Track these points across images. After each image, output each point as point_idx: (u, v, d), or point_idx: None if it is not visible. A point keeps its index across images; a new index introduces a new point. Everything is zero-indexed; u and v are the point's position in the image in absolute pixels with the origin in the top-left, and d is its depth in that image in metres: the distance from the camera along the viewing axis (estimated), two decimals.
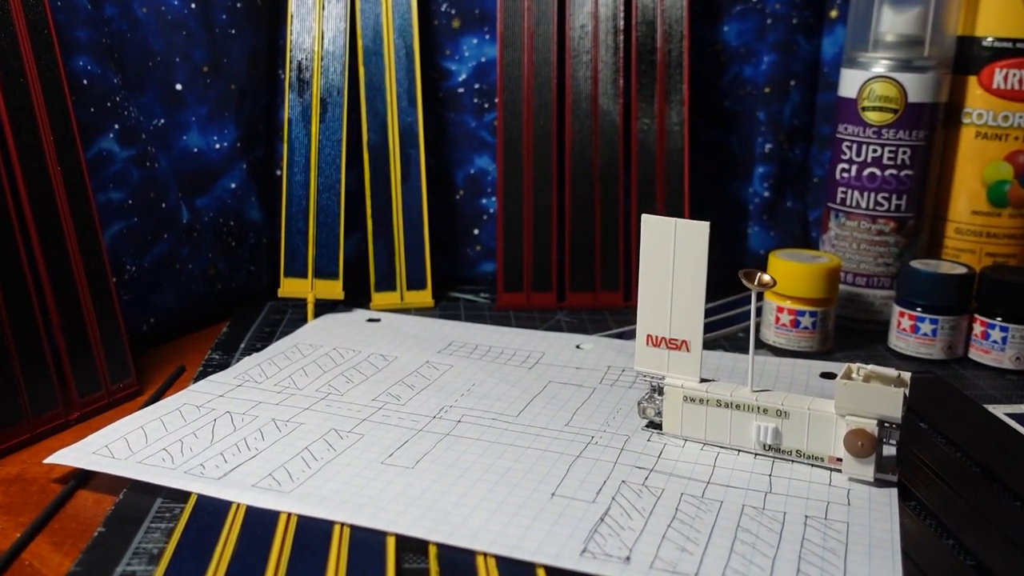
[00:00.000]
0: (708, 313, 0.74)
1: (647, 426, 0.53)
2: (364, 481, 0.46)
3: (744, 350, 0.67)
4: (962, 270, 0.66)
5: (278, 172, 0.77)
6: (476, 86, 0.79)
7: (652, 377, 0.52)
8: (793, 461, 0.49)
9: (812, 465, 0.48)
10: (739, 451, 0.50)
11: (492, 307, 0.77)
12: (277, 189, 0.77)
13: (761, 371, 0.62)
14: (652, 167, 0.77)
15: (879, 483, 0.46)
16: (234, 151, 0.74)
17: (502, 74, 0.76)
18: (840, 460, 0.47)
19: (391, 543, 0.41)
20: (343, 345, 0.65)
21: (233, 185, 0.74)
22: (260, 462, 0.47)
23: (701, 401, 0.50)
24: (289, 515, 0.43)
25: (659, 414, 0.52)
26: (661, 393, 0.52)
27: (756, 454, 0.49)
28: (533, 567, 0.39)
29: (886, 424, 0.46)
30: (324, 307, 0.73)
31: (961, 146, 0.71)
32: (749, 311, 0.74)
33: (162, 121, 0.69)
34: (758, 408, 0.49)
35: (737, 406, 0.49)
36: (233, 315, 0.73)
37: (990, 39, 0.69)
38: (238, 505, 0.43)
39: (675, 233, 0.49)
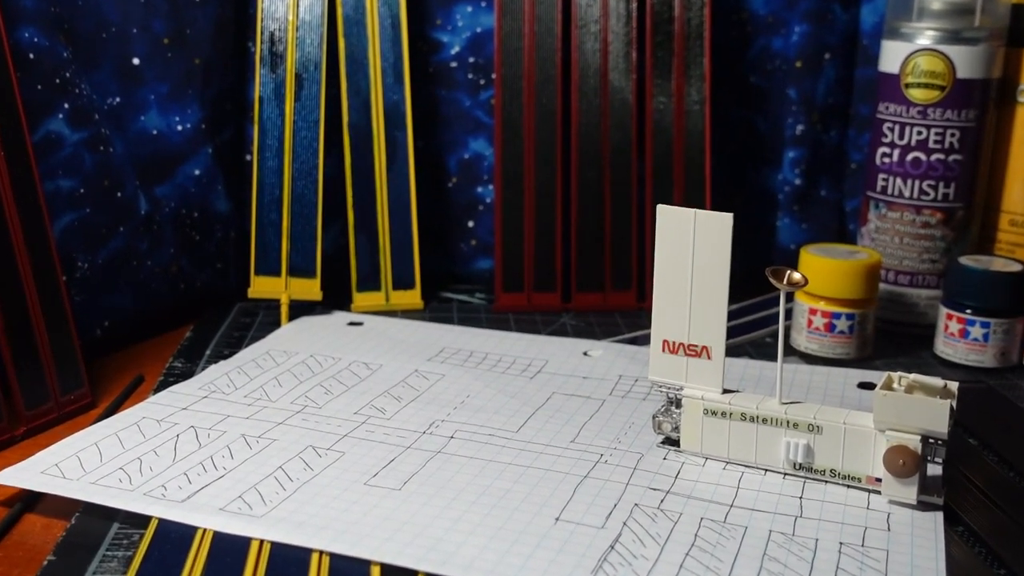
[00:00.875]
0: (732, 316, 0.74)
1: (663, 443, 0.53)
2: (345, 504, 0.46)
3: (772, 357, 0.67)
4: (1017, 267, 0.66)
5: (248, 157, 0.78)
6: (471, 60, 0.80)
7: (669, 388, 0.52)
8: (827, 482, 0.49)
9: (848, 486, 0.49)
10: (766, 471, 0.50)
11: (489, 309, 0.77)
12: (247, 176, 0.77)
13: (791, 381, 0.62)
14: (669, 151, 0.78)
15: (923, 506, 0.47)
16: (198, 134, 0.74)
17: (500, 46, 0.77)
18: (879, 480, 0.47)
19: (375, 573, 0.41)
20: (321, 352, 0.66)
21: (197, 172, 0.75)
22: (229, 483, 0.48)
23: (723, 414, 0.51)
24: (261, 542, 0.43)
25: (676, 429, 0.52)
26: (679, 405, 0.52)
27: (785, 474, 0.50)
28: None
29: (931, 440, 0.46)
30: (300, 309, 0.74)
31: (1016, 128, 0.71)
32: (778, 314, 0.74)
33: (117, 100, 0.70)
34: (787, 422, 0.49)
35: (764, 420, 0.50)
36: (198, 318, 0.73)
37: None
38: (204, 531, 0.44)
39: (694, 226, 0.50)
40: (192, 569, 0.41)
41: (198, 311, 0.74)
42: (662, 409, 0.53)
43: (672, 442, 0.53)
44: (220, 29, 0.75)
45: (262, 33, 0.75)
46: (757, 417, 0.50)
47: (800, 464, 0.49)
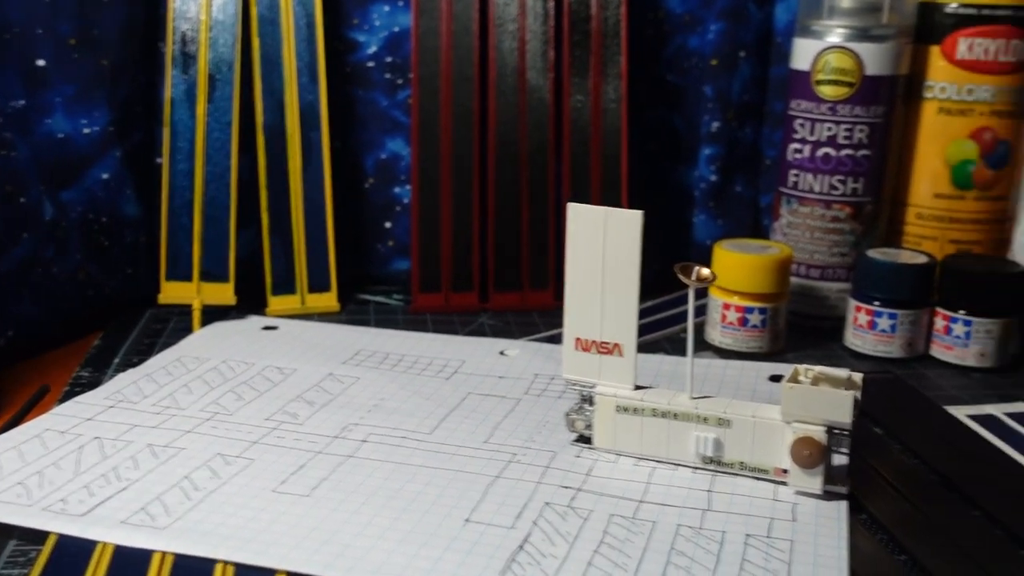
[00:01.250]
0: (648, 312, 0.75)
1: (576, 440, 0.53)
2: (252, 512, 0.45)
3: (686, 352, 0.68)
4: (923, 259, 0.67)
5: (158, 160, 0.76)
6: (388, 59, 0.79)
7: (582, 386, 0.53)
8: (736, 475, 0.50)
9: (756, 478, 0.49)
10: (678, 465, 0.51)
11: (406, 310, 0.77)
12: (157, 180, 0.76)
13: (705, 375, 0.63)
14: (586, 149, 0.78)
15: (828, 496, 0.47)
16: (106, 137, 0.73)
17: (417, 46, 0.76)
18: (786, 472, 0.48)
19: None
20: (234, 357, 0.65)
21: (105, 176, 0.73)
22: (132, 494, 0.47)
23: (635, 411, 0.51)
24: (164, 554, 0.42)
25: (589, 427, 0.52)
26: (592, 403, 0.52)
27: (695, 468, 0.50)
28: None
29: (836, 431, 0.47)
30: (213, 314, 0.73)
31: (922, 123, 0.73)
32: (694, 310, 0.75)
33: (21, 103, 0.68)
34: (698, 417, 0.50)
35: (675, 415, 0.50)
36: (107, 326, 0.72)
37: (953, 5, 0.70)
38: (104, 545, 0.43)
39: (605, 224, 0.50)
40: None
41: (107, 318, 0.73)
42: (575, 407, 0.53)
43: (585, 440, 0.53)
44: (129, 29, 0.74)
45: (174, 33, 0.74)
46: (668, 413, 0.50)
47: (710, 458, 0.50)
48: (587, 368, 0.52)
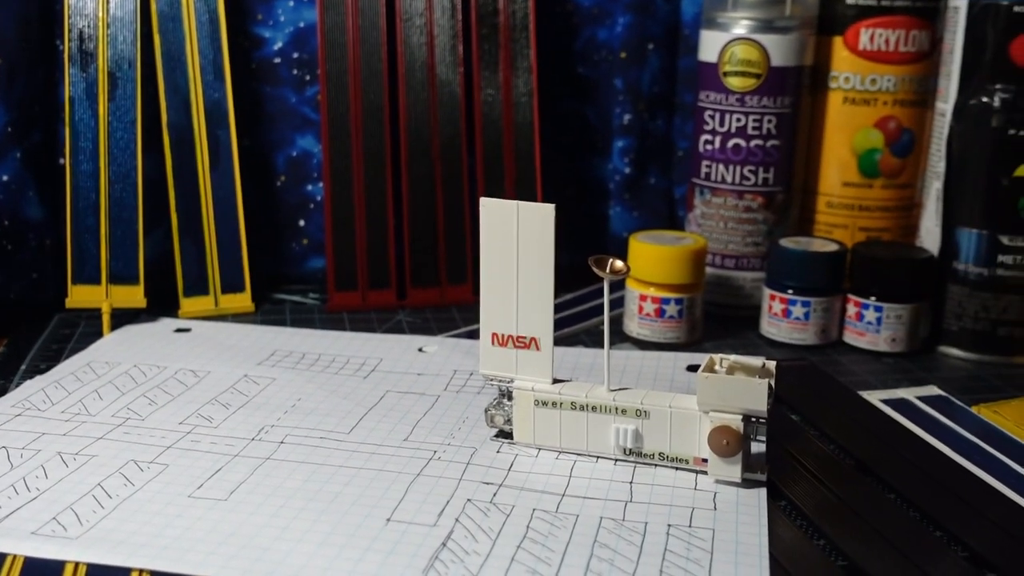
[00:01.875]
0: (566, 305, 0.75)
1: (496, 436, 0.53)
2: (167, 519, 0.44)
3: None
4: (834, 247, 0.69)
5: (61, 161, 0.74)
6: (294, 55, 0.78)
7: (500, 381, 0.52)
8: (656, 465, 0.50)
9: (677, 468, 0.50)
10: (598, 458, 0.51)
11: (323, 309, 0.76)
12: (60, 181, 0.74)
13: (624, 367, 0.63)
14: (499, 143, 0.78)
15: (748, 483, 0.48)
16: (5, 138, 0.71)
17: (323, 41, 0.75)
18: (705, 461, 0.49)
19: None
20: (146, 361, 0.63)
21: (5, 178, 0.71)
22: (42, 504, 0.45)
23: (554, 404, 0.51)
24: (77, 565, 0.41)
25: (509, 421, 0.52)
26: (510, 398, 0.52)
27: (616, 460, 0.51)
28: None
29: (752, 419, 0.48)
30: (123, 318, 0.71)
31: (829, 113, 0.74)
32: (612, 302, 0.75)
33: None
34: (616, 409, 0.50)
35: (594, 408, 0.50)
36: (12, 332, 0.70)
37: None
38: (14, 557, 0.42)
39: (517, 218, 0.50)
40: None
41: (13, 324, 0.71)
42: (494, 402, 0.53)
43: (505, 435, 0.53)
44: (24, 27, 0.72)
45: (70, 31, 0.72)
46: (587, 405, 0.50)
47: (630, 449, 0.50)
48: (504, 363, 0.52)
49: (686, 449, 0.49)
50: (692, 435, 0.49)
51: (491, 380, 0.53)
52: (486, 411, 0.53)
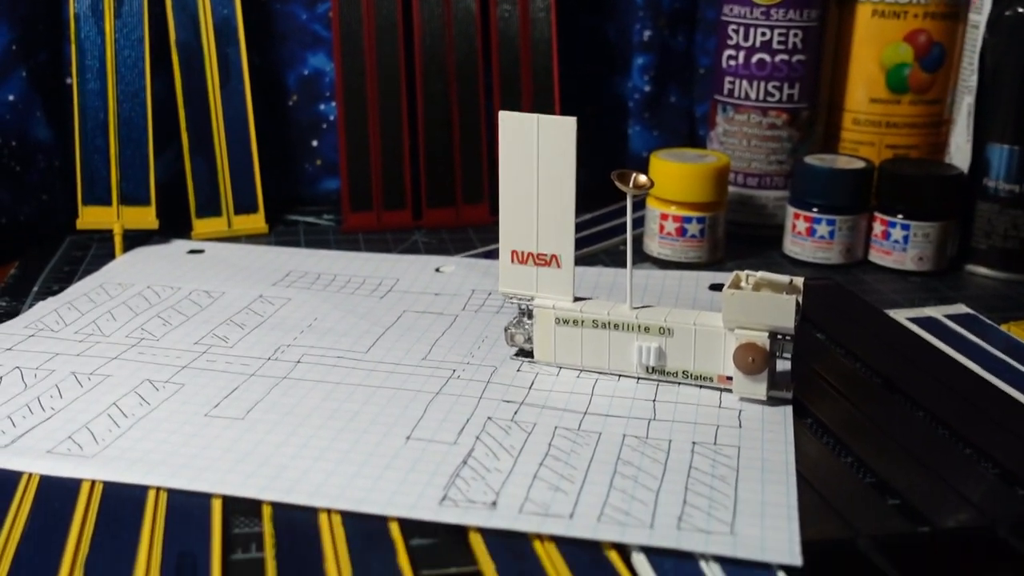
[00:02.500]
0: (586, 225, 0.74)
1: (516, 355, 0.52)
2: (183, 438, 0.44)
3: (625, 264, 0.67)
4: (860, 164, 0.67)
5: (68, 80, 0.73)
6: None
7: (520, 299, 0.52)
8: (680, 383, 0.49)
9: (700, 386, 0.49)
10: (620, 376, 0.50)
11: (337, 230, 0.75)
12: (68, 100, 0.72)
13: (644, 286, 0.62)
14: (516, 61, 0.76)
15: (773, 402, 0.47)
16: (10, 56, 0.69)
17: None
18: (730, 379, 0.48)
19: (217, 506, 0.39)
20: (159, 282, 0.63)
21: (12, 97, 0.70)
22: (57, 423, 0.45)
23: (575, 323, 0.50)
24: (93, 483, 0.41)
25: (529, 340, 0.52)
26: (530, 316, 0.51)
27: (639, 378, 0.50)
28: (385, 521, 0.38)
29: (779, 336, 0.47)
30: (135, 239, 0.70)
31: (857, 27, 0.72)
32: (633, 221, 0.74)
33: None
34: (639, 327, 0.49)
35: (616, 326, 0.50)
36: (23, 254, 0.69)
37: None
38: (30, 475, 0.41)
39: (538, 132, 0.48)
40: (16, 517, 0.38)
41: (23, 247, 0.70)
42: (514, 321, 0.52)
43: (526, 353, 0.52)
44: None
45: None
46: (609, 323, 0.50)
47: (653, 368, 0.49)
48: (524, 281, 0.51)
49: (710, 367, 0.48)
50: (717, 353, 0.48)
51: (511, 299, 0.52)
52: (506, 330, 0.52)
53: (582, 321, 0.50)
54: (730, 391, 0.48)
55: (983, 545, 0.38)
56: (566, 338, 0.50)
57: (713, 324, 0.48)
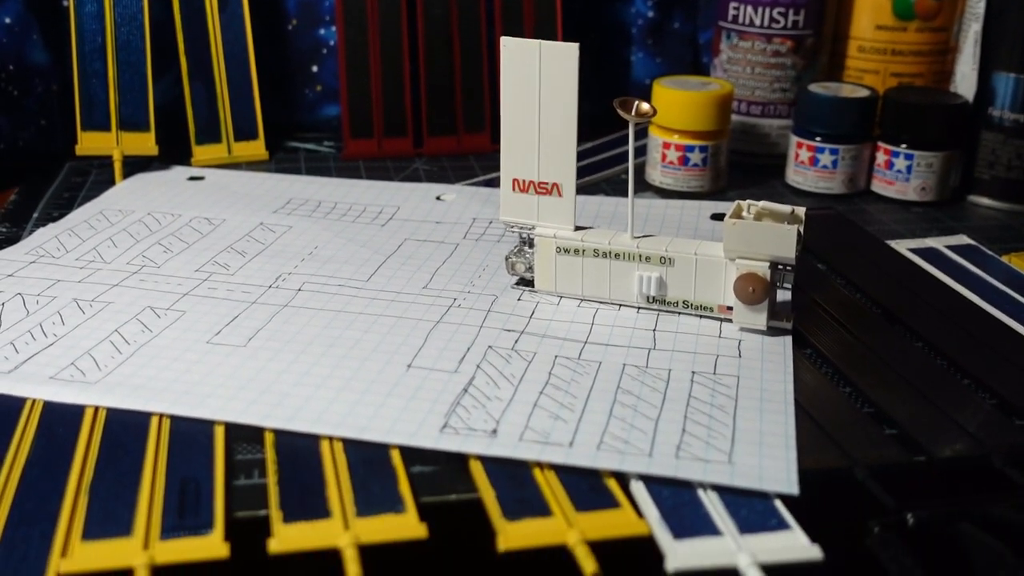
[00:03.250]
0: (587, 153, 0.73)
1: (517, 283, 0.52)
2: (186, 365, 0.44)
3: (627, 193, 0.67)
4: (865, 93, 0.66)
5: (64, 3, 0.72)
6: None
7: (521, 228, 0.51)
8: (680, 313, 0.49)
9: (701, 316, 0.49)
10: (620, 306, 0.50)
11: (338, 157, 0.74)
12: (64, 23, 0.71)
13: (646, 215, 0.62)
14: None
15: (773, 331, 0.47)
16: None
17: None
18: (731, 309, 0.48)
19: (219, 433, 0.40)
20: (159, 209, 0.62)
21: (7, 20, 0.69)
22: (60, 350, 0.45)
23: (576, 252, 0.50)
24: (96, 409, 0.41)
25: (530, 269, 0.52)
26: (531, 245, 0.51)
27: (639, 308, 0.50)
28: (387, 449, 0.39)
29: (779, 266, 0.47)
30: (135, 165, 0.70)
31: None
32: (634, 150, 0.73)
33: None
34: (639, 256, 0.49)
35: (616, 255, 0.49)
36: (22, 180, 0.69)
37: None
38: (34, 401, 0.41)
39: (540, 58, 0.48)
40: (20, 443, 0.39)
41: (23, 173, 0.70)
42: (515, 250, 0.52)
43: (526, 282, 0.52)
44: None
45: None
46: (610, 252, 0.49)
47: (653, 297, 0.49)
48: (525, 210, 0.51)
49: (711, 297, 0.48)
50: (717, 282, 0.48)
51: (512, 227, 0.51)
52: (507, 259, 0.52)
53: (583, 250, 0.50)
54: (730, 321, 0.48)
55: (979, 475, 0.38)
56: (567, 267, 0.50)
57: (714, 254, 0.48)
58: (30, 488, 0.36)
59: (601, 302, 0.50)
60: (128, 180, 0.67)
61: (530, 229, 0.51)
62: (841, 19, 0.73)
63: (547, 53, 0.47)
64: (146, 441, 0.39)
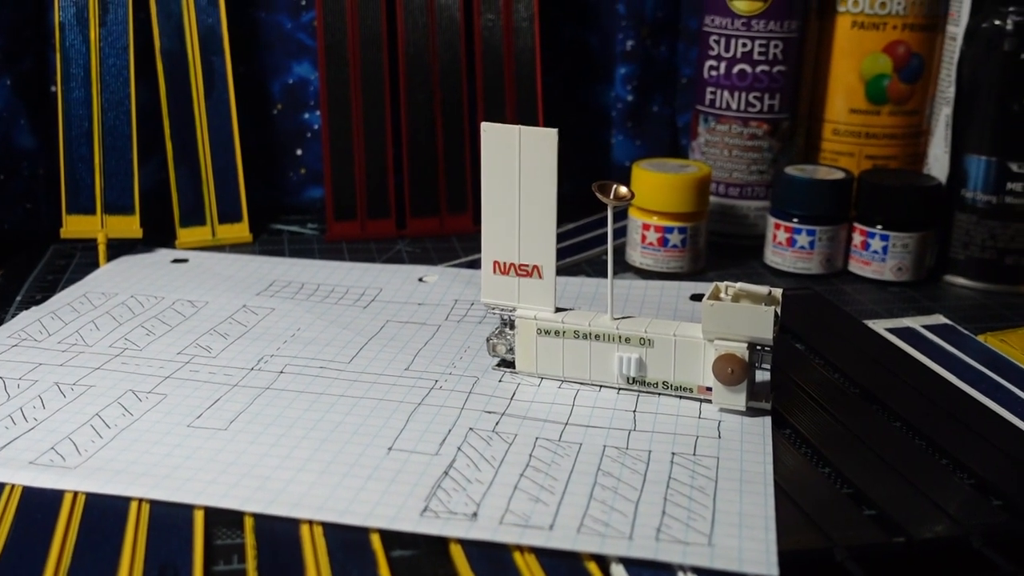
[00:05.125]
0: (569, 234, 0.74)
1: (498, 365, 0.53)
2: (167, 449, 0.44)
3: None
4: (840, 175, 0.68)
5: (52, 88, 0.73)
6: None
7: (502, 309, 0.52)
8: (660, 394, 0.50)
9: (680, 397, 0.49)
10: (601, 387, 0.50)
11: (321, 239, 0.75)
12: (52, 109, 0.72)
13: (627, 296, 0.63)
14: (499, 70, 0.76)
15: (752, 412, 0.48)
16: None
17: None
18: (710, 389, 0.48)
19: (199, 517, 0.40)
20: (143, 292, 0.63)
21: None
22: (40, 434, 0.45)
23: (556, 333, 0.50)
24: (75, 495, 0.41)
25: (511, 351, 0.52)
26: (512, 327, 0.52)
27: (620, 389, 0.50)
28: (367, 532, 0.39)
29: (758, 347, 0.47)
30: (119, 248, 0.70)
31: (837, 38, 0.72)
32: (614, 232, 0.74)
33: None
34: (620, 337, 0.49)
35: (597, 336, 0.50)
36: (7, 263, 0.69)
37: None
38: (12, 487, 0.41)
39: (520, 142, 0.49)
40: None
41: (7, 255, 0.70)
42: (496, 331, 0.53)
43: (507, 364, 0.53)
44: None
45: None
46: (590, 334, 0.50)
47: (633, 378, 0.50)
48: (506, 292, 0.51)
49: (690, 378, 0.49)
50: (696, 363, 0.48)
51: (493, 309, 0.52)
52: (488, 340, 0.53)
53: (564, 332, 0.50)
54: (710, 402, 0.48)
55: (958, 555, 0.39)
56: (547, 349, 0.51)
57: (693, 335, 0.48)
58: (7, 575, 0.36)
59: (582, 383, 0.51)
60: (112, 263, 0.68)
61: (511, 311, 0.51)
62: (816, 103, 0.75)
63: (526, 138, 0.49)
64: (125, 526, 0.39)
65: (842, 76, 0.73)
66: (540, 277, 0.51)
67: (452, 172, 0.76)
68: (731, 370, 0.47)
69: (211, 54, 0.73)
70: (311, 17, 0.77)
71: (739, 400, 0.47)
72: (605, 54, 0.83)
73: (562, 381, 0.51)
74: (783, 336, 0.57)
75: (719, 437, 0.46)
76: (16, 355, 0.53)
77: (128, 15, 0.70)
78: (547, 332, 0.51)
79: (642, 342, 0.49)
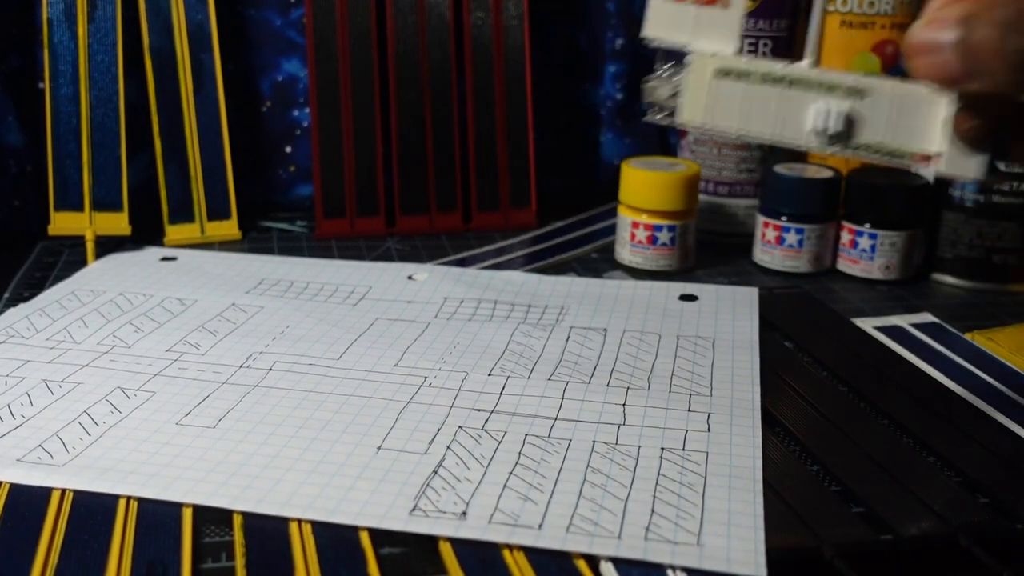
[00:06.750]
0: (556, 233, 0.74)
1: (648, 113, 0.44)
2: (155, 447, 0.44)
3: (597, 274, 0.67)
4: (828, 174, 0.68)
5: (40, 85, 0.73)
6: None
7: (669, 45, 0.43)
8: (865, 159, 0.42)
9: (890, 165, 0.42)
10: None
11: (311, 237, 0.75)
12: (40, 106, 0.72)
13: (615, 296, 0.63)
14: (489, 68, 0.76)
15: (740, 405, 0.48)
16: None
17: None
18: (931, 159, 0.40)
19: (187, 516, 0.39)
20: (131, 289, 0.62)
21: None
22: (27, 432, 0.45)
23: (739, 75, 0.42)
24: (63, 492, 0.41)
25: (676, 95, 0.43)
26: (681, 66, 0.42)
27: (811, 149, 0.43)
28: (356, 531, 0.39)
29: None
30: (108, 246, 0.70)
31: (826, 37, 0.72)
32: (604, 230, 0.74)
33: None
34: (821, 84, 0.41)
35: (791, 82, 0.41)
36: None
37: None
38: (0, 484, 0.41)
39: None
40: None
41: None
42: (657, 72, 0.44)
43: (663, 112, 0.44)
44: None
45: None
46: (784, 78, 0.41)
47: (835, 136, 0.41)
48: (678, 23, 0.42)
49: (910, 141, 0.40)
50: (922, 122, 0.40)
51: (656, 43, 0.43)
52: (644, 82, 0.44)
53: (750, 74, 0.42)
54: (929, 171, 0.41)
55: (945, 553, 0.39)
56: (725, 94, 0.42)
57: (916, 90, 0.40)
58: None
59: (761, 140, 0.43)
60: (100, 260, 0.68)
61: (680, 47, 0.43)
62: None
63: None
64: (113, 524, 0.39)
65: None
66: (726, 6, 0.42)
67: (442, 170, 0.76)
68: (970, 126, 0.39)
69: (200, 51, 0.73)
70: (300, 14, 0.77)
71: (976, 165, 0.39)
72: (595, 52, 0.83)
73: (736, 134, 0.43)
74: (771, 334, 0.57)
75: (708, 431, 0.46)
76: (4, 352, 0.53)
77: (116, 12, 0.70)
78: (728, 73, 0.42)
79: (851, 91, 0.41)
